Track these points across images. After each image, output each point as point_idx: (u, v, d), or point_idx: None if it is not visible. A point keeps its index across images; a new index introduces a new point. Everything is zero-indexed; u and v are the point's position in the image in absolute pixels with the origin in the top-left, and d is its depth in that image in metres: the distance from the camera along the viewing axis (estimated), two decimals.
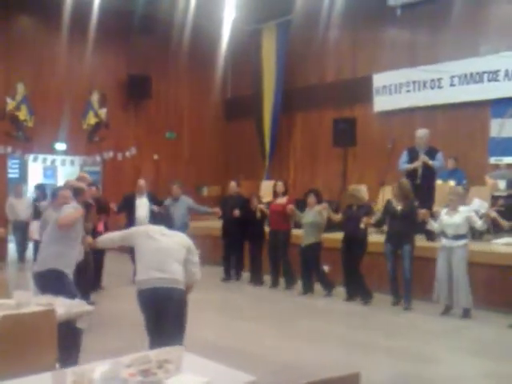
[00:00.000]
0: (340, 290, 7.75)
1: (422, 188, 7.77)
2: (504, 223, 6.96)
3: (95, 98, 12.73)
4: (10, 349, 3.17)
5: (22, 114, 11.70)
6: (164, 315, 4.08)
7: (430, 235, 7.74)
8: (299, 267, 8.13)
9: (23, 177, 13.71)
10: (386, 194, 8.99)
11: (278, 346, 5.55)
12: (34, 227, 9.91)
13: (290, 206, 8.16)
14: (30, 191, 11.96)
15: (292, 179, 12.77)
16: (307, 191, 8.38)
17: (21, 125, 11.67)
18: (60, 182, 12.64)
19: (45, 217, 5.77)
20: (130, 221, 8.46)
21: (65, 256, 4.75)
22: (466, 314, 6.62)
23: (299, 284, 8.15)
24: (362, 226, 7.27)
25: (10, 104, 11.57)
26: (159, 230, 4.34)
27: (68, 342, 3.75)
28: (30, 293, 4.12)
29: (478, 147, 10.01)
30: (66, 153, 12.40)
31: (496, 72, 9.72)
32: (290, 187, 10.04)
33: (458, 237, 6.64)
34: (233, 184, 9.42)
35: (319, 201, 8.04)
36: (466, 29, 10.09)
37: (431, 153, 8.09)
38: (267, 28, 13.15)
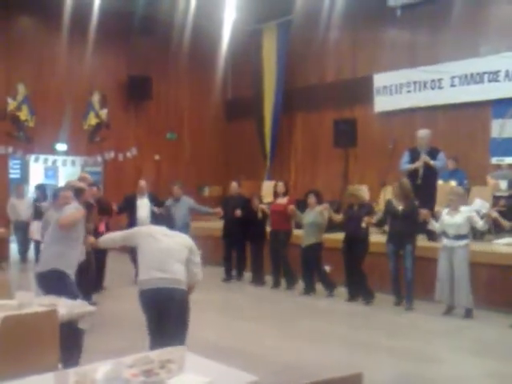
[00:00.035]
0: (342, 291, 7.75)
1: (423, 188, 7.76)
2: (505, 223, 6.96)
3: (96, 98, 12.75)
4: (12, 349, 3.17)
5: (23, 115, 11.72)
6: (166, 315, 4.08)
7: (432, 235, 7.74)
8: (300, 267, 8.13)
9: (24, 177, 13.71)
10: (387, 194, 8.99)
11: (280, 346, 5.55)
12: (35, 227, 9.93)
13: (291, 207, 8.16)
14: (32, 191, 11.97)
15: (293, 179, 12.78)
16: (307, 192, 8.38)
17: (22, 125, 11.69)
18: (61, 183, 12.66)
19: (46, 217, 5.77)
20: (131, 221, 8.46)
21: (66, 256, 4.76)
22: (468, 313, 6.62)
23: (300, 284, 8.15)
24: (364, 225, 7.27)
25: (11, 104, 11.59)
26: (161, 231, 4.35)
27: (70, 342, 3.75)
28: (32, 293, 4.12)
29: (478, 147, 10.01)
30: (67, 153, 12.42)
31: (496, 72, 9.72)
32: (290, 188, 10.05)
33: (459, 237, 6.64)
34: (234, 184, 9.43)
35: (319, 201, 8.04)
36: (467, 29, 10.10)
37: (433, 153, 8.08)
38: (267, 28, 13.15)
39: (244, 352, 5.17)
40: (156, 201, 8.94)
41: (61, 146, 12.21)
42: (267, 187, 11.06)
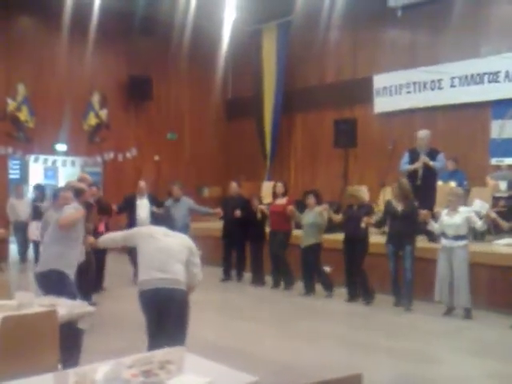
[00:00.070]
0: (341, 291, 7.75)
1: (422, 189, 7.77)
2: (504, 224, 6.97)
3: (96, 98, 12.75)
4: (11, 350, 3.17)
5: (23, 115, 11.71)
6: (166, 316, 4.08)
7: (432, 236, 7.74)
8: (300, 268, 8.13)
9: (24, 177, 13.73)
10: (387, 194, 9.00)
11: (279, 346, 5.55)
12: (34, 227, 9.93)
13: (290, 207, 8.16)
14: (31, 192, 11.97)
15: (293, 180, 12.79)
16: (306, 192, 8.39)
17: (21, 125, 11.69)
18: (61, 183, 12.67)
19: (46, 217, 5.77)
20: (131, 222, 8.47)
21: (66, 256, 4.76)
22: (467, 314, 6.62)
23: (300, 284, 8.15)
24: (363, 225, 7.28)
25: (11, 105, 11.58)
26: (161, 231, 4.34)
27: (69, 342, 3.75)
28: (32, 294, 4.12)
29: (478, 148, 10.02)
30: (66, 153, 12.42)
31: (496, 73, 9.73)
32: (291, 188, 10.05)
33: (458, 237, 6.64)
34: (234, 185, 9.43)
35: (319, 202, 8.05)
36: (467, 30, 10.10)
37: (432, 154, 8.08)
38: (268, 29, 13.16)
39: (243, 352, 5.17)
40: (155, 201, 8.95)
41: (60, 147, 12.21)
42: (267, 188, 11.06)
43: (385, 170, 10.08)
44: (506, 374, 4.85)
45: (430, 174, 8.04)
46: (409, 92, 10.99)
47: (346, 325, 6.57)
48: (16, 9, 11.50)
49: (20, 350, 3.19)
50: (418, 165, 8.02)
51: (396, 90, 11.15)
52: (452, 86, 10.36)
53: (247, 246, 9.06)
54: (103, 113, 12.85)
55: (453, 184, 8.83)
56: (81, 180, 6.84)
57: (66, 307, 3.82)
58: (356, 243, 7.39)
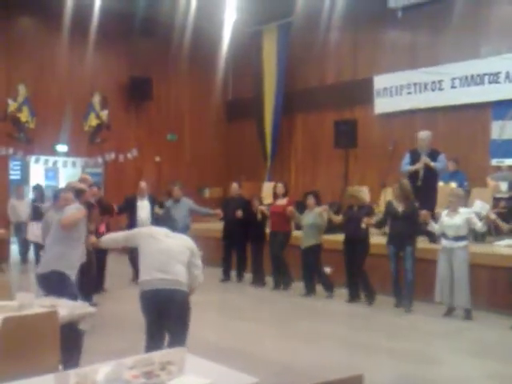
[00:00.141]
0: (342, 292, 7.75)
1: (423, 190, 7.77)
2: (503, 226, 6.97)
3: (96, 99, 12.76)
4: (12, 350, 3.17)
5: (24, 116, 11.73)
6: (166, 317, 4.08)
7: (432, 237, 7.74)
8: (300, 269, 8.13)
9: (25, 178, 13.74)
10: (388, 195, 9.00)
11: (280, 347, 5.55)
12: (33, 228, 9.94)
13: (290, 208, 8.16)
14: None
15: (293, 181, 12.79)
16: (306, 193, 8.39)
17: (22, 126, 11.70)
18: (61, 184, 12.68)
19: (46, 218, 5.78)
20: (131, 222, 8.47)
21: (67, 257, 4.76)
22: (467, 315, 6.62)
23: (300, 285, 8.14)
24: (363, 226, 7.28)
25: (12, 105, 11.60)
26: (163, 232, 4.34)
27: (70, 343, 3.75)
28: (33, 294, 4.12)
29: (479, 149, 10.01)
30: (67, 154, 12.43)
31: (497, 74, 9.72)
32: (291, 189, 10.05)
33: (458, 238, 6.65)
34: (234, 185, 9.43)
35: (318, 202, 8.05)
36: (467, 30, 10.10)
37: (433, 155, 8.08)
38: (268, 30, 13.16)
39: (244, 353, 5.17)
40: (156, 202, 8.94)
41: (61, 147, 12.22)
42: (268, 188, 11.06)
43: (385, 171, 10.08)
44: (507, 375, 4.85)
45: (431, 175, 8.04)
46: (409, 93, 10.99)
47: (347, 325, 6.57)
48: (16, 9, 11.52)
49: (21, 351, 3.20)
50: (418, 166, 8.02)
51: (396, 91, 11.15)
52: (452, 86, 10.35)
53: (248, 246, 9.06)
54: (104, 113, 12.87)
55: (453, 185, 8.83)
56: (81, 181, 6.85)
57: (66, 308, 3.83)
58: (356, 244, 7.39)
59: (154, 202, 8.91)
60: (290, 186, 11.38)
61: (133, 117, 13.36)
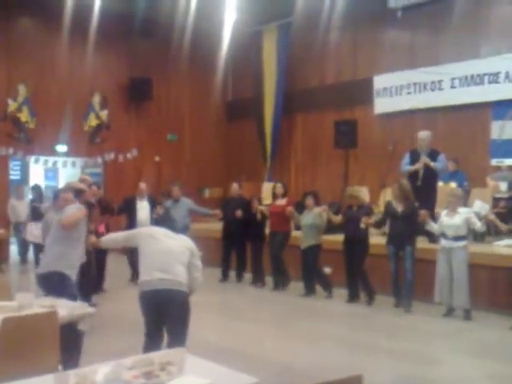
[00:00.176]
0: (341, 292, 7.75)
1: (423, 190, 7.77)
2: (502, 226, 6.97)
3: (96, 99, 12.76)
4: (12, 351, 3.17)
5: (24, 116, 11.73)
6: (166, 317, 4.08)
7: (432, 237, 7.74)
8: (299, 269, 8.13)
9: (25, 178, 13.75)
10: (387, 195, 9.00)
11: (280, 347, 5.55)
12: (32, 228, 9.95)
13: (289, 208, 8.16)
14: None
15: (293, 181, 12.79)
16: (305, 193, 8.38)
17: (22, 126, 11.70)
18: (61, 184, 12.67)
19: (46, 219, 5.77)
20: (131, 223, 8.46)
21: (67, 257, 4.76)
22: (467, 315, 6.62)
23: (300, 285, 8.14)
24: (363, 225, 7.28)
25: (12, 105, 11.59)
26: (163, 232, 4.34)
27: (69, 344, 3.75)
28: (32, 295, 4.12)
29: (478, 149, 10.01)
30: (67, 154, 12.43)
31: (497, 74, 9.72)
32: (291, 189, 10.05)
33: (457, 238, 6.65)
34: (234, 186, 9.43)
35: (318, 203, 8.05)
36: (467, 30, 10.10)
37: (433, 155, 8.09)
38: (268, 30, 13.16)
39: (244, 353, 5.17)
40: (155, 203, 8.93)
41: (61, 148, 12.22)
42: (267, 188, 11.06)
43: (385, 171, 10.08)
44: (506, 375, 4.85)
45: (431, 175, 8.05)
46: (409, 93, 10.99)
47: (347, 326, 6.57)
48: (16, 9, 11.52)
49: (20, 351, 3.20)
50: (418, 166, 8.02)
51: (396, 91, 11.15)
52: (452, 86, 10.35)
53: (247, 246, 9.06)
54: (104, 114, 12.86)
55: (453, 185, 8.84)
56: (81, 181, 6.85)
57: (66, 308, 3.83)
58: (356, 244, 7.39)
59: (153, 202, 8.90)
60: (290, 186, 11.40)
61: (133, 117, 13.35)
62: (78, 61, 12.26)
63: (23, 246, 10.86)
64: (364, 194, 8.28)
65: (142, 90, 12.93)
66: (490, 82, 9.83)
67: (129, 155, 13.16)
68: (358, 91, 11.70)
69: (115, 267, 8.77)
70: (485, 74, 9.86)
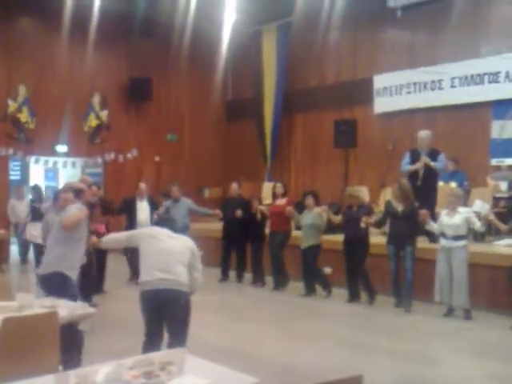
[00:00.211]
0: (342, 292, 7.75)
1: (423, 189, 7.77)
2: (502, 227, 6.97)
3: (96, 100, 12.76)
4: (12, 351, 3.17)
5: (24, 116, 11.72)
6: (166, 317, 4.09)
7: (432, 236, 7.74)
8: (300, 269, 8.13)
9: (25, 179, 13.74)
10: (387, 195, 9.00)
11: (280, 347, 5.56)
12: (31, 228, 9.94)
13: (289, 208, 8.16)
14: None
15: (293, 181, 12.79)
16: (305, 193, 8.38)
17: (22, 127, 11.69)
18: (61, 185, 12.67)
19: (46, 219, 5.77)
20: (130, 224, 8.45)
21: (68, 258, 4.76)
22: (467, 315, 6.62)
23: (300, 285, 8.14)
24: (363, 225, 7.28)
25: (12, 106, 11.59)
26: (165, 232, 4.34)
27: (70, 344, 3.75)
28: (32, 295, 4.13)
29: (478, 149, 10.01)
30: (67, 155, 12.43)
31: (497, 73, 9.72)
32: (291, 189, 10.05)
33: (457, 237, 6.65)
34: (234, 186, 9.43)
35: (317, 203, 8.05)
36: (467, 30, 10.10)
37: (433, 154, 8.09)
38: (267, 30, 13.16)
39: (244, 353, 5.17)
40: (154, 204, 8.93)
41: (61, 148, 12.22)
42: (267, 188, 11.06)
43: (385, 171, 10.08)
44: (506, 375, 4.85)
45: (431, 175, 8.04)
46: (409, 92, 10.99)
47: (347, 326, 6.57)
48: (16, 9, 11.52)
49: (21, 352, 3.20)
50: (418, 165, 8.02)
51: (396, 91, 11.15)
52: (452, 86, 10.35)
53: (247, 246, 9.06)
54: (104, 114, 12.86)
55: (453, 184, 8.84)
56: (81, 182, 6.85)
57: (66, 308, 3.83)
58: (356, 244, 7.39)
59: (153, 203, 8.89)
60: (290, 186, 11.40)
61: (133, 117, 13.35)
62: (77, 61, 12.26)
63: (23, 247, 10.86)
64: (364, 193, 8.29)
65: (141, 90, 12.93)
66: (490, 82, 9.83)
67: (129, 155, 13.16)
68: (357, 91, 11.70)
69: (115, 267, 8.77)
70: (485, 74, 9.86)
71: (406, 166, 8.24)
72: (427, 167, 7.99)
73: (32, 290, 5.08)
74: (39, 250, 8.07)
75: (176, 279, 4.08)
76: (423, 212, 6.95)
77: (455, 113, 10.34)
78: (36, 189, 10.92)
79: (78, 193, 5.34)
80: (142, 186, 8.95)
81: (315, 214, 7.90)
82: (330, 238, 8.40)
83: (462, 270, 6.58)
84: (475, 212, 7.07)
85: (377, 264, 7.67)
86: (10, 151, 11.63)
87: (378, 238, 8.01)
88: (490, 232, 8.13)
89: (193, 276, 4.26)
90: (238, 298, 8.13)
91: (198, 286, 4.35)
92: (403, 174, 8.24)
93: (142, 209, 8.72)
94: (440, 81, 10.51)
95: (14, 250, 11.31)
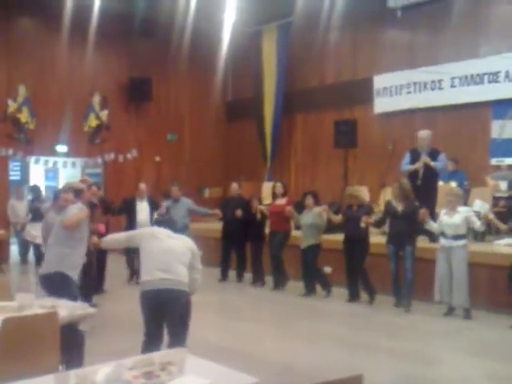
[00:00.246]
0: (341, 291, 7.75)
1: (423, 189, 7.77)
2: (502, 226, 6.98)
3: (96, 100, 12.76)
4: (12, 351, 3.18)
5: (24, 116, 11.72)
6: (167, 317, 4.09)
7: (432, 236, 7.75)
8: (299, 268, 8.14)
9: (25, 179, 13.75)
10: (387, 195, 9.00)
11: (280, 347, 5.56)
12: (31, 229, 9.94)
13: (288, 208, 8.16)
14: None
15: (293, 181, 12.80)
16: (305, 193, 8.38)
17: (22, 127, 11.69)
18: (61, 185, 12.67)
19: (47, 219, 5.77)
20: (130, 224, 8.45)
21: (69, 257, 4.76)
22: (467, 314, 6.63)
23: (300, 285, 8.14)
24: (363, 225, 7.28)
25: (12, 106, 11.59)
26: (165, 232, 4.34)
27: (70, 344, 3.76)
28: (32, 295, 4.13)
29: (478, 148, 10.01)
30: (67, 155, 12.42)
31: (496, 73, 9.73)
32: (291, 189, 10.05)
33: (457, 237, 6.65)
34: (234, 186, 9.44)
35: (317, 202, 8.06)
36: (467, 30, 10.10)
37: (433, 154, 8.09)
38: (268, 30, 13.16)
39: (244, 353, 5.18)
40: (154, 204, 8.92)
41: (61, 148, 12.21)
42: (267, 188, 11.06)
43: (385, 171, 10.08)
44: (506, 375, 4.85)
45: (431, 175, 8.05)
46: (409, 92, 10.99)
47: (347, 325, 6.58)
48: (16, 10, 11.51)
49: (21, 352, 3.20)
50: (418, 165, 8.02)
51: (396, 91, 11.15)
52: (452, 86, 10.36)
53: (247, 246, 9.07)
54: (104, 114, 12.86)
55: (453, 184, 8.84)
56: (82, 182, 6.85)
57: (66, 309, 3.83)
58: (356, 243, 7.39)
59: (153, 203, 8.89)
60: (290, 186, 11.41)
61: (133, 117, 13.36)
62: (77, 61, 12.26)
63: (23, 247, 10.87)
64: (364, 193, 8.28)
65: (141, 90, 12.93)
66: (489, 82, 9.83)
67: (129, 155, 13.16)
68: (357, 91, 11.70)
69: (115, 267, 8.78)
70: (485, 74, 9.87)
71: (405, 165, 8.25)
72: (427, 167, 7.99)
73: (32, 290, 5.07)
74: (39, 250, 8.08)
75: (176, 279, 4.08)
76: (422, 211, 6.95)
77: (455, 113, 10.34)
78: (35, 189, 10.92)
79: (78, 193, 5.34)
80: (142, 186, 8.94)
81: (315, 214, 7.90)
82: (329, 237, 8.40)
83: (462, 270, 6.58)
84: (475, 211, 7.07)
85: (377, 264, 7.67)
86: (10, 151, 11.63)
87: (377, 238, 8.02)
88: (490, 231, 8.13)
89: (192, 277, 4.26)
90: (237, 298, 8.13)
91: (197, 286, 4.35)
92: (403, 173, 8.24)
93: (142, 209, 8.72)
94: (440, 81, 10.51)
95: (13, 250, 11.31)
